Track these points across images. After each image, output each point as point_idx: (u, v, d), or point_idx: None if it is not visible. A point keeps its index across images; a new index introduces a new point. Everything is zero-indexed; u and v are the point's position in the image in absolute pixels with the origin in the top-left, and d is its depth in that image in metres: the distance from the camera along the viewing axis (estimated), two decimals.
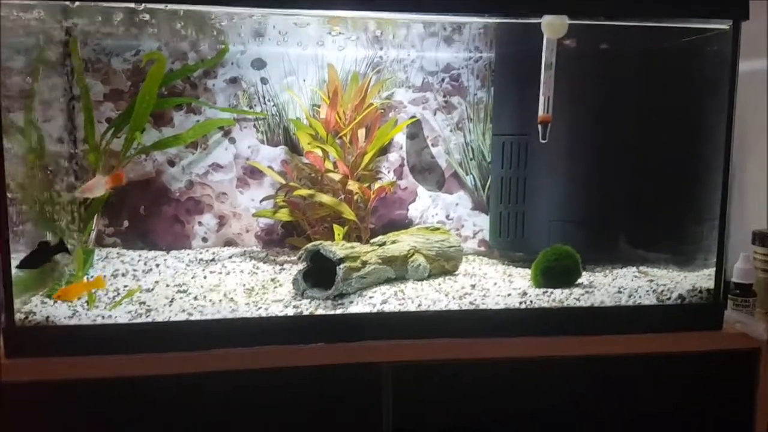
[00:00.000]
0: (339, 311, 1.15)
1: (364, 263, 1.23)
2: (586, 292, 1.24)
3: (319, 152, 1.48)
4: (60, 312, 1.09)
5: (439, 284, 1.31)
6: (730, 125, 1.19)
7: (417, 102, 1.62)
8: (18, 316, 1.06)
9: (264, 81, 1.55)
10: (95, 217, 1.39)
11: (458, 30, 1.56)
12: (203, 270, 1.38)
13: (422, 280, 1.33)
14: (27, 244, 1.15)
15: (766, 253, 1.34)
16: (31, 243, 1.15)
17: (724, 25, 1.19)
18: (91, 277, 1.26)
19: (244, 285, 1.28)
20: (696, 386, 1.22)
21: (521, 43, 1.40)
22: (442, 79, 1.61)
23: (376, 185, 1.54)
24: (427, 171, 1.45)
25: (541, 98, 1.23)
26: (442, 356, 1.15)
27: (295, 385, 1.11)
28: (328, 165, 1.50)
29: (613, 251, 1.43)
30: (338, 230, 1.44)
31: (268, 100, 1.56)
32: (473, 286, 1.28)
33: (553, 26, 1.19)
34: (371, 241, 1.36)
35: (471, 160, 1.64)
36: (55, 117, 1.40)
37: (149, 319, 1.09)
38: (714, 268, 1.22)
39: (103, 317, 1.09)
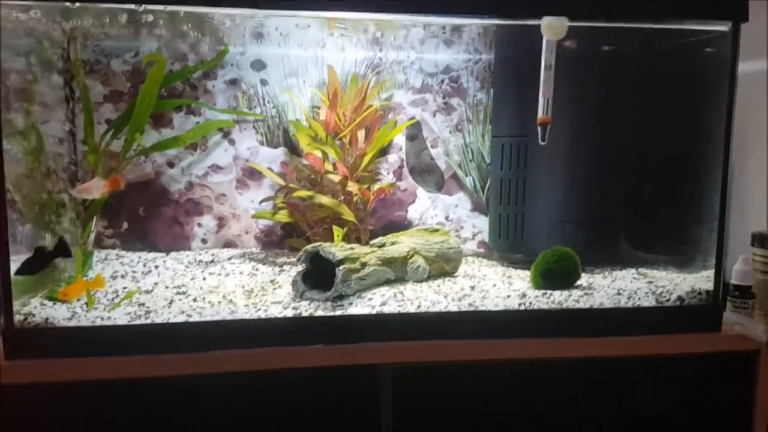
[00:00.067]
0: (338, 313, 1.15)
1: (364, 265, 1.23)
2: (586, 293, 1.24)
3: (319, 154, 1.48)
4: (59, 314, 1.09)
5: (439, 286, 1.31)
6: (729, 126, 1.19)
7: (416, 103, 1.62)
8: (17, 317, 1.06)
9: (264, 82, 1.56)
10: (94, 218, 1.39)
11: (458, 32, 1.56)
12: (202, 271, 1.38)
13: (421, 281, 1.33)
14: (27, 245, 1.15)
15: (765, 254, 1.34)
16: (31, 244, 1.15)
17: (723, 27, 1.19)
18: (90, 279, 1.26)
19: (243, 286, 1.28)
20: (695, 388, 1.22)
21: (521, 44, 1.40)
22: (442, 81, 1.61)
23: (376, 186, 1.54)
24: (426, 172, 1.45)
25: (541, 100, 1.23)
26: (441, 358, 1.15)
27: (294, 387, 1.11)
28: (328, 166, 1.50)
29: (612, 253, 1.43)
30: (337, 231, 1.44)
31: (268, 102, 1.57)
32: (473, 288, 1.28)
33: (552, 28, 1.19)
34: (371, 242, 1.36)
35: (470, 161, 1.64)
36: (54, 118, 1.40)
37: (148, 321, 1.09)
38: (713, 270, 1.22)
39: (102, 319, 1.08)
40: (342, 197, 1.50)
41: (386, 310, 1.17)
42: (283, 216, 1.51)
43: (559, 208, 1.44)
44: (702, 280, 1.28)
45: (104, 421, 1.07)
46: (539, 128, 1.24)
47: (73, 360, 1.04)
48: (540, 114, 1.24)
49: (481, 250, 1.67)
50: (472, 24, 1.47)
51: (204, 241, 1.59)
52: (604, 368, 1.19)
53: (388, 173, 1.64)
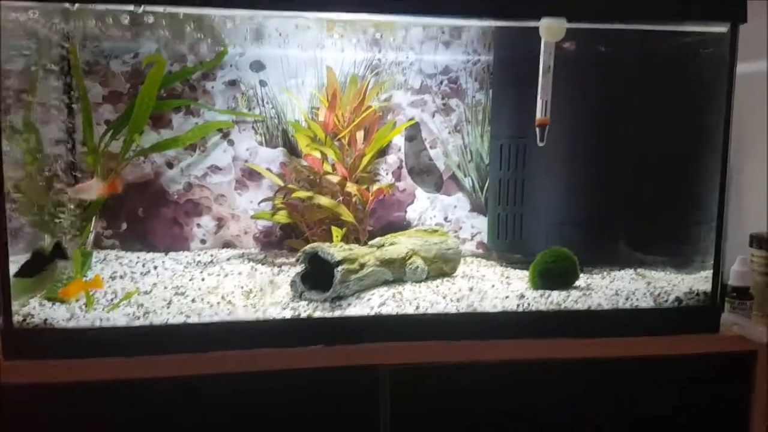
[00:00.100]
0: (337, 313, 1.15)
1: (362, 265, 1.23)
2: (584, 294, 1.24)
3: (318, 154, 1.48)
4: (58, 314, 1.09)
5: (437, 286, 1.31)
6: (727, 128, 1.19)
7: (415, 104, 1.62)
8: (16, 318, 1.06)
9: (263, 83, 1.56)
10: (93, 218, 1.39)
11: (457, 33, 1.57)
12: (201, 272, 1.38)
13: (420, 282, 1.33)
14: (26, 245, 1.15)
15: (763, 255, 1.34)
16: (30, 245, 1.15)
17: (722, 28, 1.19)
18: (89, 279, 1.26)
19: (242, 287, 1.28)
20: (693, 389, 1.22)
21: (519, 46, 1.40)
22: (441, 82, 1.62)
23: (375, 187, 1.54)
24: (425, 173, 1.46)
25: (539, 101, 1.23)
26: (440, 359, 1.15)
27: (293, 388, 1.11)
28: (327, 167, 1.50)
29: (610, 253, 1.43)
30: (336, 232, 1.44)
31: (267, 103, 1.57)
32: (471, 289, 1.28)
33: (551, 29, 1.20)
34: (369, 243, 1.36)
35: (469, 162, 1.64)
36: (53, 119, 1.40)
37: (147, 322, 1.09)
38: (711, 271, 1.22)
39: (101, 320, 1.09)
40: (341, 198, 1.50)
41: (385, 310, 1.17)
42: (282, 217, 1.51)
43: (558, 208, 1.44)
44: (700, 281, 1.28)
45: (103, 421, 1.07)
46: (537, 129, 1.24)
47: (72, 361, 1.04)
48: (538, 115, 1.24)
49: (480, 250, 1.67)
50: (471, 26, 1.48)
51: (203, 241, 1.59)
52: (602, 369, 1.19)
53: (387, 174, 1.64)
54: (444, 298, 1.22)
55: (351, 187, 1.47)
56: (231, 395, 1.09)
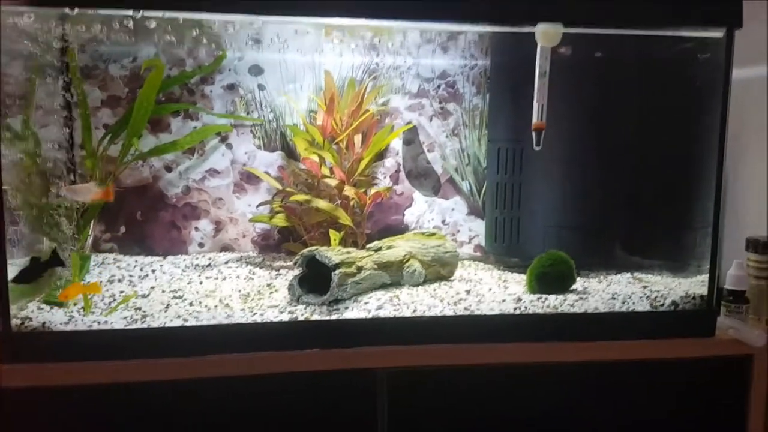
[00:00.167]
0: (334, 317, 1.15)
1: (360, 269, 1.23)
2: (581, 298, 1.25)
3: (316, 158, 1.49)
4: (56, 318, 1.09)
5: (435, 290, 1.31)
6: (723, 132, 1.19)
7: (413, 108, 1.63)
8: (14, 321, 1.06)
9: (261, 87, 1.56)
10: (92, 222, 1.39)
11: (454, 38, 1.57)
12: (199, 276, 1.38)
13: (418, 285, 1.34)
14: (26, 247, 1.15)
15: (759, 260, 1.34)
16: (29, 245, 1.15)
17: (718, 33, 1.19)
18: (87, 282, 1.26)
19: (239, 290, 1.28)
20: (689, 392, 1.22)
21: (516, 50, 1.41)
22: (438, 86, 1.62)
23: (372, 191, 1.54)
24: (423, 176, 1.46)
25: (535, 105, 1.23)
26: (437, 362, 1.15)
27: (291, 391, 1.11)
28: (325, 171, 1.50)
29: (607, 257, 1.44)
30: (334, 235, 1.45)
31: (265, 106, 1.57)
32: (468, 292, 1.29)
33: (547, 34, 1.20)
34: (367, 246, 1.37)
35: (467, 165, 1.65)
36: (51, 123, 1.40)
37: (145, 325, 1.10)
38: (707, 275, 1.23)
39: (98, 323, 1.09)
40: (339, 201, 1.51)
41: (382, 314, 1.17)
42: (280, 220, 1.51)
43: (555, 212, 1.45)
44: (696, 284, 1.28)
45: (101, 424, 1.07)
46: (534, 134, 1.25)
47: (70, 364, 1.05)
48: (534, 119, 1.24)
49: (478, 253, 1.68)
50: (468, 31, 1.48)
51: (201, 245, 1.59)
52: (598, 372, 1.20)
53: (384, 177, 1.64)
54: (441, 301, 1.23)
55: (349, 191, 1.47)
56: (229, 398, 1.10)
